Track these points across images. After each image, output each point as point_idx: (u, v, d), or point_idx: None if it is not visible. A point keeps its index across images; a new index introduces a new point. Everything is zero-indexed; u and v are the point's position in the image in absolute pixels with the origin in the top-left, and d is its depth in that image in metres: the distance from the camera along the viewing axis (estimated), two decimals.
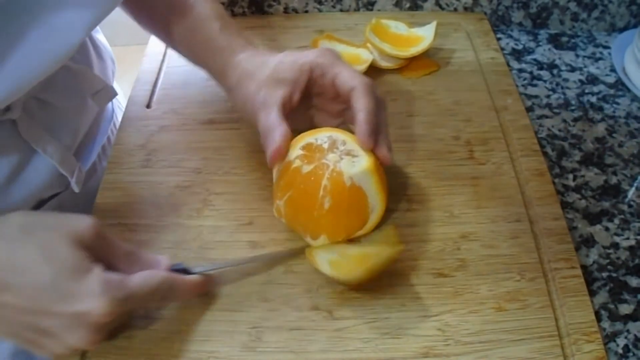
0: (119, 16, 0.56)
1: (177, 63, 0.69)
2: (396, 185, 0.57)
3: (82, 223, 0.42)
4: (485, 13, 0.77)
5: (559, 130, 0.65)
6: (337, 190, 0.46)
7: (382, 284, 0.49)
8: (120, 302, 0.40)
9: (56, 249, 0.40)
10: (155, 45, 0.74)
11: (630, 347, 0.48)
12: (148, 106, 0.66)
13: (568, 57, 0.74)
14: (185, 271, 0.46)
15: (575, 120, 0.66)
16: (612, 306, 0.50)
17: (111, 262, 0.43)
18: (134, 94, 0.68)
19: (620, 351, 0.47)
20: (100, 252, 0.42)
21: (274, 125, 0.47)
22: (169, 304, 0.48)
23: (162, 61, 0.71)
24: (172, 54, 0.71)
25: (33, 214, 0.44)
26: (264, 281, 0.50)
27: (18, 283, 0.39)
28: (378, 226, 0.51)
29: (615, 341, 0.48)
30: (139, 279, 0.42)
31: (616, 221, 0.56)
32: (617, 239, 0.55)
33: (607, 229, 0.56)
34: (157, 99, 0.67)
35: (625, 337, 0.48)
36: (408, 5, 0.77)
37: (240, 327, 0.47)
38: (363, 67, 0.66)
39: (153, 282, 0.43)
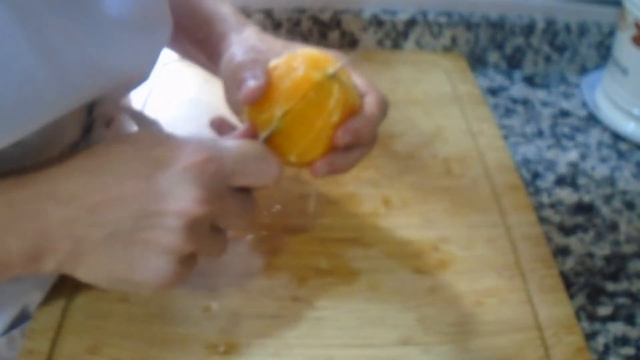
0: None
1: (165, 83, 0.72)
2: (373, 192, 0.58)
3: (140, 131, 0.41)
4: (463, 53, 0.81)
5: (533, 155, 0.67)
6: (345, 103, 0.44)
7: (361, 279, 0.50)
8: (216, 153, 0.38)
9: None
10: None
11: (611, 345, 0.48)
12: None
13: (541, 94, 0.78)
14: None
15: (549, 147, 0.69)
16: (590, 308, 0.51)
17: None
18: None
19: (601, 349, 0.47)
20: None
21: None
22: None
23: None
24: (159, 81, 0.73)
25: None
26: (243, 273, 0.50)
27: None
28: None
29: (595, 340, 0.48)
30: (232, 142, 0.40)
31: (591, 233, 0.57)
32: (592, 248, 0.56)
33: (582, 240, 0.57)
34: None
35: (605, 337, 0.48)
36: (390, 44, 0.81)
37: (218, 313, 0.46)
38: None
39: (248, 148, 0.40)
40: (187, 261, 0.39)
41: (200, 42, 0.54)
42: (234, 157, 0.40)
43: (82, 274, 0.39)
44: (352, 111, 0.44)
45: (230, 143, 0.40)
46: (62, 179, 0.38)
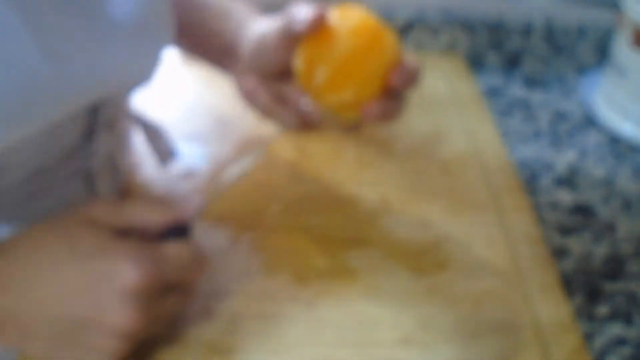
0: None
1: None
2: (373, 192, 0.58)
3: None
4: (461, 54, 0.82)
5: (532, 156, 0.67)
6: (396, 48, 0.45)
7: (360, 279, 0.50)
8: (154, 268, 0.40)
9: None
10: None
11: (609, 344, 0.48)
12: None
13: (539, 94, 0.78)
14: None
15: (547, 148, 0.69)
16: (588, 308, 0.51)
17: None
18: None
19: (600, 348, 0.48)
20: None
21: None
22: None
23: None
24: None
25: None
26: (243, 273, 0.50)
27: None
28: None
29: (593, 340, 0.48)
30: (169, 249, 0.42)
31: (589, 234, 0.58)
32: (590, 249, 0.56)
33: (580, 240, 0.57)
34: None
35: (604, 337, 0.49)
36: None
37: (218, 313, 0.47)
38: None
39: (182, 251, 0.42)
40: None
41: (217, 31, 0.54)
42: (172, 264, 0.42)
43: (31, 353, 0.41)
44: (399, 60, 0.45)
45: (167, 250, 0.42)
46: (5, 267, 0.40)
